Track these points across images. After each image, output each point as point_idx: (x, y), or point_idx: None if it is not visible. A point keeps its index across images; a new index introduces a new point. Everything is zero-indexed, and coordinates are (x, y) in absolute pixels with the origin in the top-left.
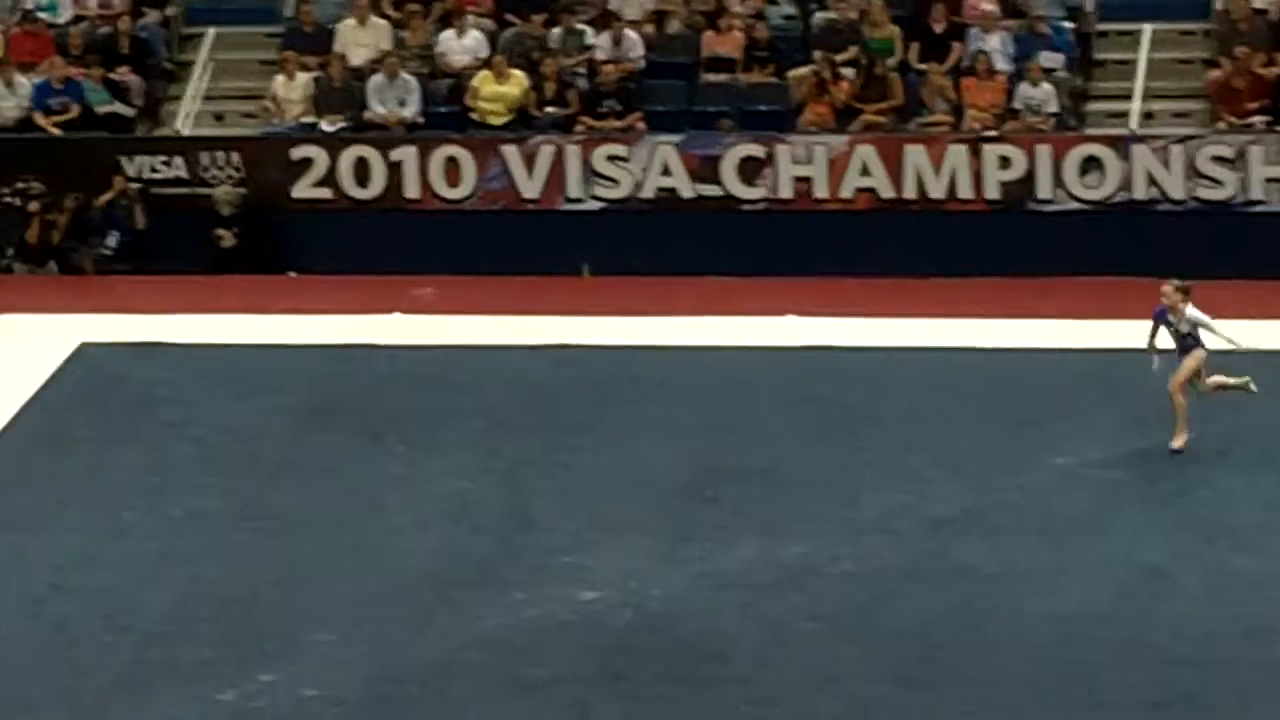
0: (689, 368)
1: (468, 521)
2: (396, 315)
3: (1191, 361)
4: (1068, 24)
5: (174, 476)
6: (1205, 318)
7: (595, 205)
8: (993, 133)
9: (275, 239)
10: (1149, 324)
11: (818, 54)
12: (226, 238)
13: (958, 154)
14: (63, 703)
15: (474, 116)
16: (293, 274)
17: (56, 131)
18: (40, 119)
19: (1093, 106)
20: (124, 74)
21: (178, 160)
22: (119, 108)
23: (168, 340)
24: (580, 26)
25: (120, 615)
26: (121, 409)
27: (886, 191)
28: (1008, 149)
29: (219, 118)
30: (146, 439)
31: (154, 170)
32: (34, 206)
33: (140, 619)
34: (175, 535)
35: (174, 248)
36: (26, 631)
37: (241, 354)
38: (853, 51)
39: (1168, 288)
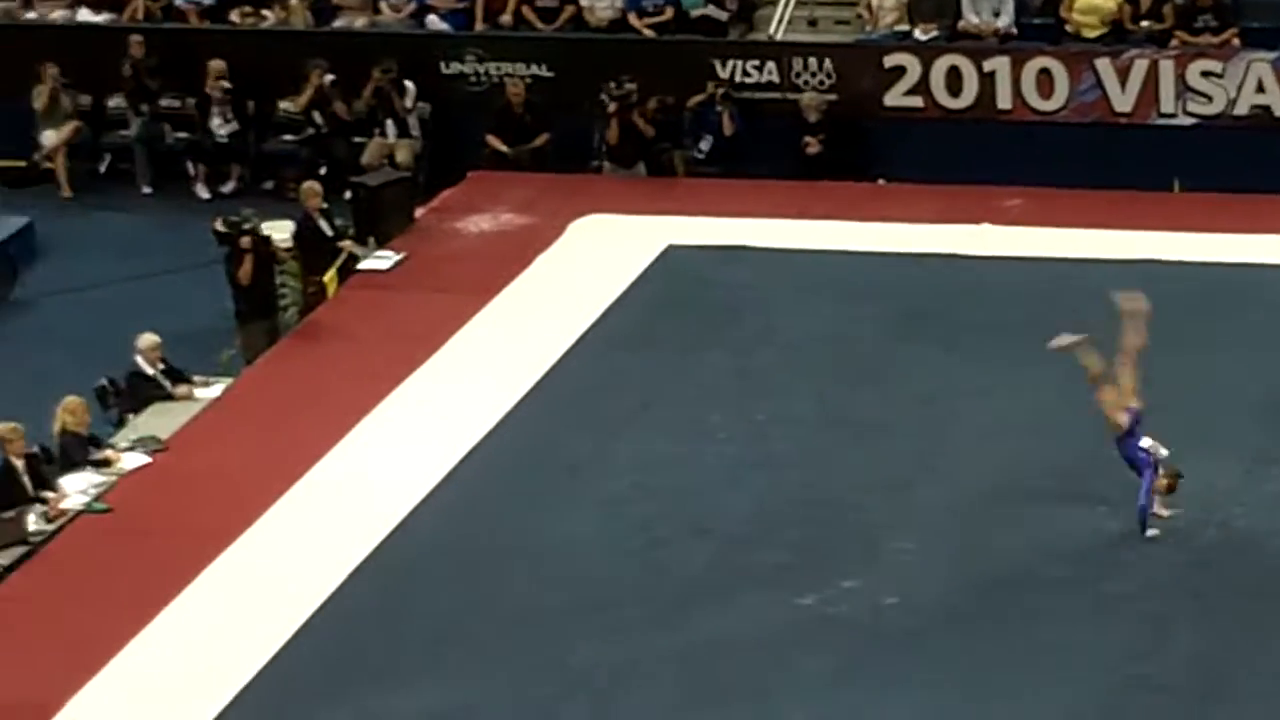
0: (1275, 285)
1: (1051, 433)
2: (984, 226)
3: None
4: None
5: (758, 381)
6: None
7: (1188, 121)
8: None
9: (864, 146)
10: None
11: None
12: (814, 144)
13: None
14: (642, 602)
15: (1068, 29)
16: (882, 181)
17: (650, 33)
18: (634, 20)
19: None
20: None
21: (770, 65)
22: (712, 11)
23: (754, 244)
24: None
25: (702, 518)
26: (707, 312)
27: None
28: None
29: (812, 23)
30: (731, 343)
31: (745, 75)
32: (612, 108)
33: (722, 522)
34: (759, 440)
35: (762, 152)
36: (609, 532)
37: (828, 260)
38: None
39: None
